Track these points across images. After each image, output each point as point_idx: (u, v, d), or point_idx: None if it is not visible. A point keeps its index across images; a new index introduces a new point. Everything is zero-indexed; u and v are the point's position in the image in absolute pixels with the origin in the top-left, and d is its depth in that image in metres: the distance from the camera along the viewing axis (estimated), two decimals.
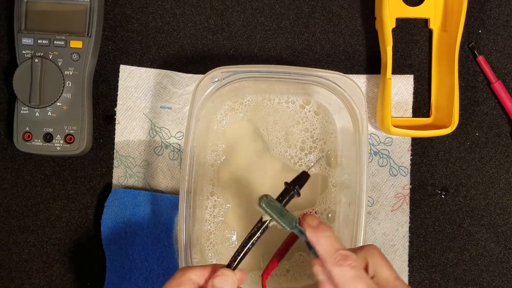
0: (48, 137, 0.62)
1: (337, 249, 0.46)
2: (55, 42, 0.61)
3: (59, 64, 0.61)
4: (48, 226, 0.65)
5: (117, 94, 0.65)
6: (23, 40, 0.61)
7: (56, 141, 0.62)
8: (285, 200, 0.49)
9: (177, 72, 0.64)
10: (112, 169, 0.65)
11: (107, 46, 0.65)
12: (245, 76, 0.57)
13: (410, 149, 0.64)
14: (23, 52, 0.61)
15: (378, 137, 0.64)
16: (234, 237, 0.62)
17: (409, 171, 0.64)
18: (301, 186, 0.50)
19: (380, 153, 0.64)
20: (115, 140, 0.65)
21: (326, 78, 0.57)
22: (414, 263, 0.64)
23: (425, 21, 0.65)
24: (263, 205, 0.48)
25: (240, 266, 0.48)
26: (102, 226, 0.63)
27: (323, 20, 0.65)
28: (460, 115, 0.64)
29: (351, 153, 0.58)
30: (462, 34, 0.61)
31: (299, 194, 0.50)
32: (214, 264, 0.49)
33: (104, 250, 0.63)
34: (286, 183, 0.50)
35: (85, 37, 0.62)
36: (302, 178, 0.51)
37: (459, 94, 0.62)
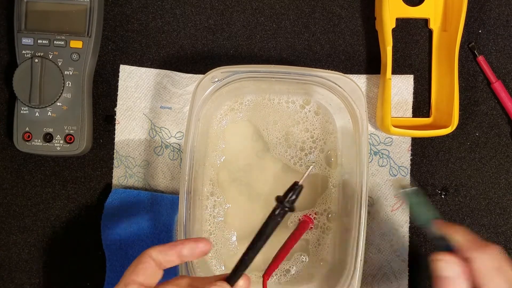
0: (48, 137, 0.62)
1: (475, 239, 0.45)
2: (55, 42, 0.61)
3: (59, 64, 0.61)
4: (48, 226, 0.65)
5: (117, 94, 0.65)
6: (23, 40, 0.61)
7: (56, 141, 0.62)
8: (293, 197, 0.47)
9: (177, 72, 0.64)
10: (112, 169, 0.65)
11: (107, 46, 0.65)
12: (245, 76, 0.57)
13: (410, 149, 0.64)
14: (23, 52, 0.61)
15: (378, 137, 0.64)
16: (234, 237, 0.62)
17: (409, 171, 0.64)
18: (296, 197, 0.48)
19: (380, 153, 0.64)
20: (115, 140, 0.65)
21: (326, 78, 0.57)
22: (414, 263, 0.64)
23: (425, 21, 0.65)
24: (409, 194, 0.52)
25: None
26: (102, 226, 0.63)
27: (323, 20, 0.65)
28: (460, 115, 0.64)
29: (351, 153, 0.58)
30: (462, 34, 0.61)
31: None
32: (180, 240, 0.48)
33: (104, 250, 0.63)
34: (277, 198, 0.48)
35: (85, 37, 0.62)
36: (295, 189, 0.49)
37: (459, 94, 0.62)
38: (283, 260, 0.56)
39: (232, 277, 0.46)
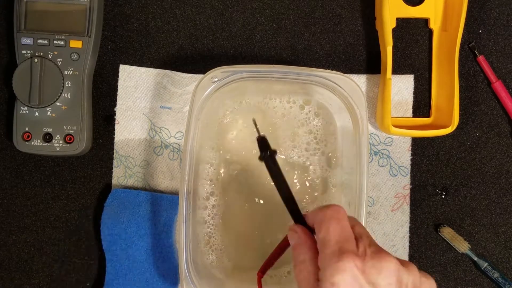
0: (48, 137, 0.62)
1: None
2: (54, 42, 0.61)
3: (59, 64, 0.61)
4: (48, 226, 0.65)
5: (116, 94, 0.65)
6: (23, 40, 0.61)
7: (56, 141, 0.62)
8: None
9: (177, 72, 0.64)
10: (112, 169, 0.65)
11: (107, 46, 0.65)
12: (245, 76, 0.57)
13: (410, 149, 0.64)
14: (23, 52, 0.61)
15: (378, 137, 0.64)
16: (234, 238, 0.62)
17: (409, 171, 0.64)
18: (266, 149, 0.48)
19: (380, 153, 0.64)
20: (115, 140, 0.65)
21: (326, 78, 0.57)
22: (414, 263, 0.64)
23: (425, 21, 0.65)
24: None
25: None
26: (102, 226, 0.63)
27: (323, 20, 0.65)
28: (460, 115, 0.64)
29: (351, 153, 0.58)
30: (462, 34, 0.61)
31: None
32: None
33: (104, 250, 0.63)
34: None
35: (84, 37, 0.62)
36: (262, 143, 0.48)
37: (459, 94, 0.62)
38: (278, 258, 0.56)
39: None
